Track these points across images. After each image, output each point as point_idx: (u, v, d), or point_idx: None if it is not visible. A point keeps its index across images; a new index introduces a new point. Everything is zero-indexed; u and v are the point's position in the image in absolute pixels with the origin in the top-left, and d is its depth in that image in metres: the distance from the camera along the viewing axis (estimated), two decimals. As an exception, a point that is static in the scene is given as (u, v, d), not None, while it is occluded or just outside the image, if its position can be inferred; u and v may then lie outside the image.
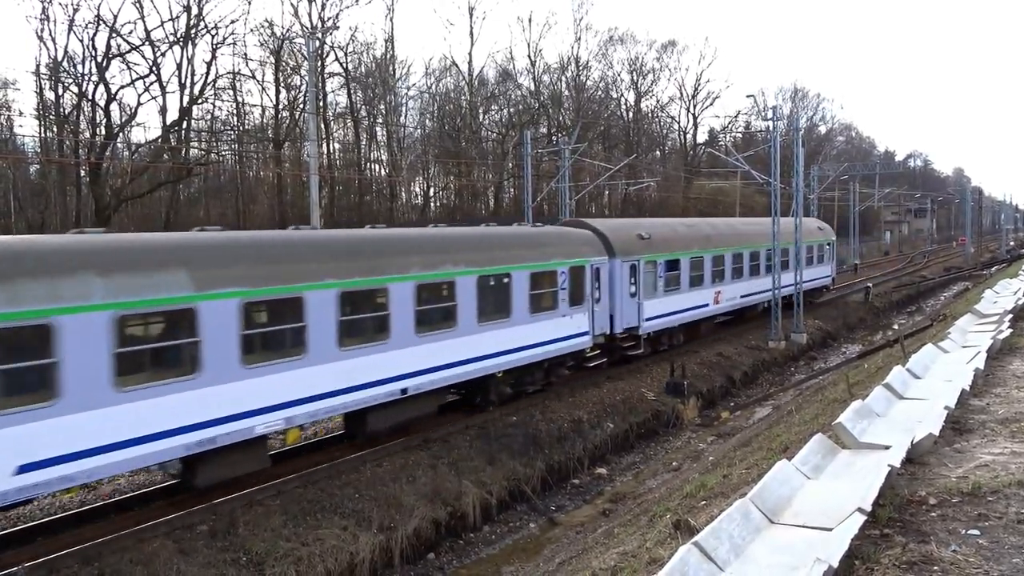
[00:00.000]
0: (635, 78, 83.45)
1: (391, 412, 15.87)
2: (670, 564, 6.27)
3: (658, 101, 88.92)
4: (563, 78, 75.28)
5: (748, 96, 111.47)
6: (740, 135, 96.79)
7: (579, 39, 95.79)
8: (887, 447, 9.56)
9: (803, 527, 7.63)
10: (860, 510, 7.24)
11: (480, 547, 14.79)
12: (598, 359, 22.86)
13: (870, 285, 47.76)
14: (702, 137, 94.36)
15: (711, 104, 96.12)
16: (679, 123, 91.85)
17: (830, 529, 7.38)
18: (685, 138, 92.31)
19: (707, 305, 28.46)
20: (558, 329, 20.03)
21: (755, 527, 7.43)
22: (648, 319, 24.29)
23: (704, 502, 11.24)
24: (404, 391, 15.65)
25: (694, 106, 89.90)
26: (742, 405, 24.87)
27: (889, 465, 8.52)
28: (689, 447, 20.54)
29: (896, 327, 39.61)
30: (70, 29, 40.20)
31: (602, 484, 18.15)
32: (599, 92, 79.79)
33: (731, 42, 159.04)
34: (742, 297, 31.10)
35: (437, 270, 16.55)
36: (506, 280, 18.27)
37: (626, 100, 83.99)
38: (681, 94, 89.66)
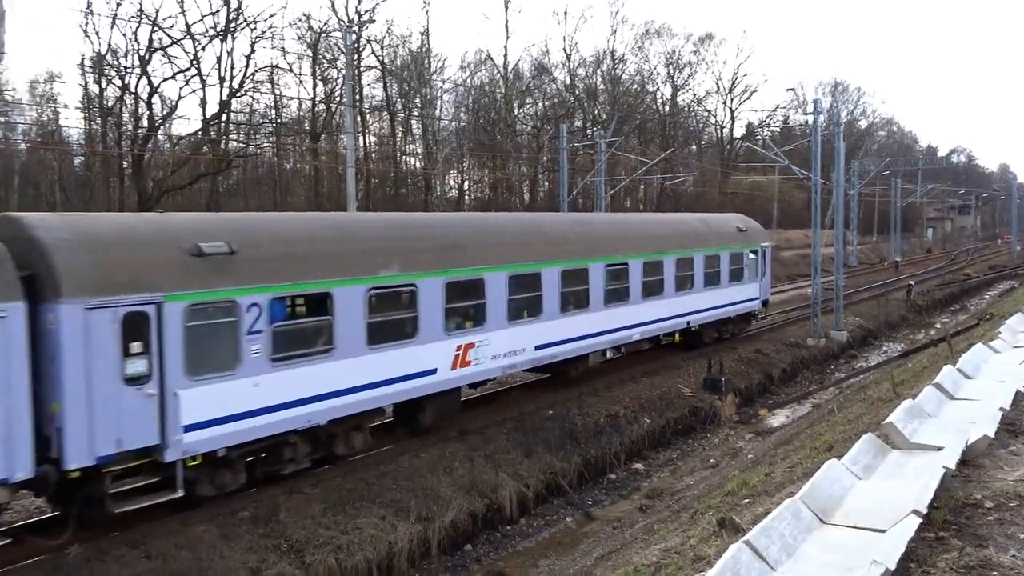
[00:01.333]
0: (671, 72, 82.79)
1: None
2: (721, 562, 6.17)
3: (695, 95, 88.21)
4: (598, 72, 74.95)
5: (789, 90, 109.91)
6: (778, 129, 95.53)
7: (615, 32, 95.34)
8: (940, 448, 9.33)
9: (855, 528, 7.48)
10: (916, 512, 7.07)
11: (517, 540, 14.77)
12: None
13: (912, 283, 46.87)
14: (739, 131, 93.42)
15: (748, 98, 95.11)
16: (716, 117, 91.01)
17: (883, 531, 7.22)
18: (722, 132, 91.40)
19: (432, 372, 15.52)
20: None
21: (806, 527, 7.30)
22: (198, 425, 11.59)
23: (747, 500, 11.08)
24: None
25: (731, 100, 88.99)
26: (781, 403, 24.56)
27: (944, 467, 8.31)
28: (727, 444, 20.36)
29: (939, 326, 38.84)
30: (113, 23, 40.92)
31: (639, 480, 18.03)
32: (635, 86, 79.27)
33: (769, 35, 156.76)
34: (540, 349, 18.17)
35: None
36: None
37: (662, 94, 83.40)
38: (718, 88, 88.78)
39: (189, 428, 11.53)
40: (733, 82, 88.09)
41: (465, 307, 16.44)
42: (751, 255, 27.73)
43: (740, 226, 28.02)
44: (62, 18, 78.68)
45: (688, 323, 24.16)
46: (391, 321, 14.80)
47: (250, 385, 12.27)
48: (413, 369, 15.12)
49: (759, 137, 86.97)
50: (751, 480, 12.40)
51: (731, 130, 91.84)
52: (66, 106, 53.76)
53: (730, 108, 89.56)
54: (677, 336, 24.72)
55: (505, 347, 17.22)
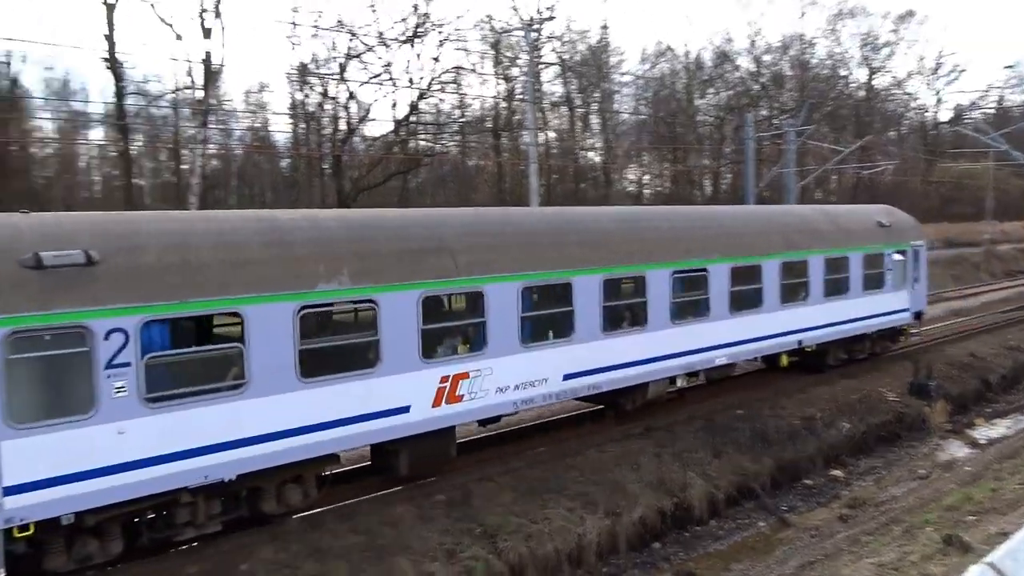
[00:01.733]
0: (867, 53, 77.14)
1: None
2: (962, 583, 5.63)
3: (894, 77, 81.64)
4: (785, 57, 71.30)
5: (1006, 67, 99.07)
6: (992, 111, 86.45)
7: (804, 15, 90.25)
8: None
9: (1119, 557, 6.56)
10: None
11: (707, 541, 14.34)
12: None
13: None
14: (945, 115, 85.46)
15: (956, 79, 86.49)
16: (918, 100, 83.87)
17: None
18: (925, 117, 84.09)
19: (403, 410, 12.30)
20: None
21: (1058, 552, 6.49)
22: (29, 486, 9.00)
23: (973, 517, 10.11)
24: None
25: (936, 81, 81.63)
26: (1001, 412, 22.21)
27: None
28: (938, 455, 18.71)
29: None
30: (315, 34, 44.17)
31: (837, 487, 16.94)
32: (825, 70, 74.65)
33: (980, 8, 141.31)
34: (571, 378, 14.71)
35: None
36: None
37: (856, 78, 77.98)
38: (920, 69, 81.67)
39: (14, 490, 8.87)
40: (938, 62, 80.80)
41: (455, 327, 13.41)
42: (897, 256, 22.50)
43: (882, 220, 22.55)
44: (271, 30, 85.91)
45: (800, 342, 19.77)
46: (338, 347, 11.89)
47: (112, 433, 9.42)
48: (374, 407, 11.89)
49: (969, 120, 79.21)
50: (975, 495, 11.33)
51: (936, 114, 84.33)
52: (275, 113, 58.80)
53: (935, 90, 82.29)
54: (785, 358, 20.28)
55: (517, 377, 13.73)
